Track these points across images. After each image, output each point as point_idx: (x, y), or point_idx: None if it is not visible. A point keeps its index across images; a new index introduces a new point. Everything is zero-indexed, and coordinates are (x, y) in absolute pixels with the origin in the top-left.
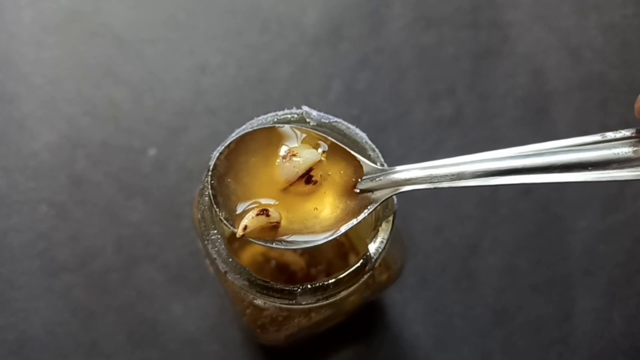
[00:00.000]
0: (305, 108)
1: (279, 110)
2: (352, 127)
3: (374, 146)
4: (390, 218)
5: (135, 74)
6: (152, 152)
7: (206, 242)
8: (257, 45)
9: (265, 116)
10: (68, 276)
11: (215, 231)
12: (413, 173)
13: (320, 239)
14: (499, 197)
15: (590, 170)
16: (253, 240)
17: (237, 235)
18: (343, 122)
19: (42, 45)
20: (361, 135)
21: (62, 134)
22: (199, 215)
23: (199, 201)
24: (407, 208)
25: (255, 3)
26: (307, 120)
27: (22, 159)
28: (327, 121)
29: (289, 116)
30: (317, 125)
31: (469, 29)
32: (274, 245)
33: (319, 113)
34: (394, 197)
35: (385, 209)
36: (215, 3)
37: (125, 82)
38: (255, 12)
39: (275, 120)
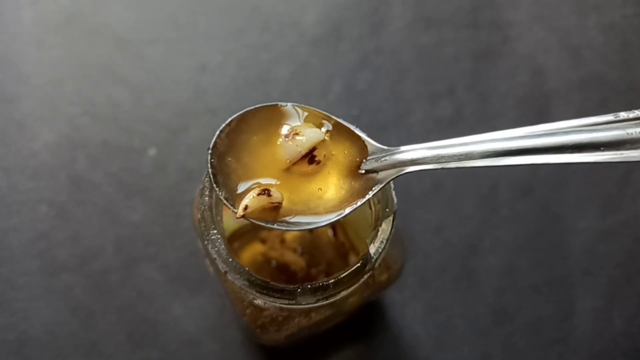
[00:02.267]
0: None
1: None
2: (352, 127)
3: None
4: (390, 218)
5: (135, 74)
6: (152, 152)
7: (206, 242)
8: (257, 45)
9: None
10: (68, 276)
11: (215, 231)
12: (420, 153)
13: (323, 220)
14: (499, 197)
15: (602, 150)
16: (254, 221)
17: (237, 216)
18: (343, 122)
19: (42, 45)
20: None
21: (62, 134)
22: (199, 215)
23: (199, 201)
24: (407, 208)
25: (255, 3)
26: None
27: (22, 159)
28: None
29: None
30: None
31: (469, 29)
32: (275, 226)
33: None
34: (394, 197)
35: (386, 209)
36: (215, 3)
37: (125, 82)
38: (255, 12)
39: None
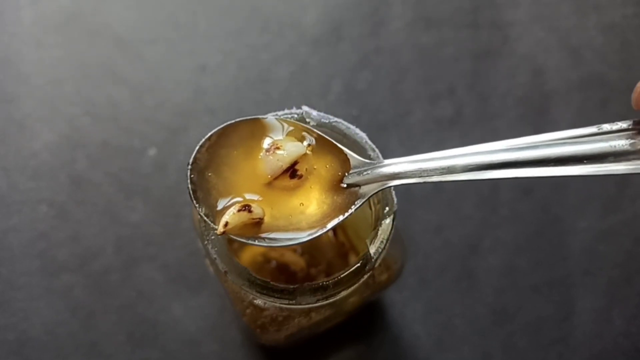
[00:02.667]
0: (305, 108)
1: (279, 110)
2: (352, 127)
3: (374, 146)
4: (390, 218)
5: (135, 74)
6: (152, 152)
7: (206, 242)
8: (257, 45)
9: (265, 116)
10: (68, 276)
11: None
12: (402, 167)
13: (305, 235)
14: (499, 197)
15: (585, 163)
16: (235, 238)
17: (218, 233)
18: (343, 122)
19: (42, 45)
20: (361, 135)
21: (62, 134)
22: (199, 216)
23: None
24: (407, 208)
25: (255, 3)
26: (307, 120)
27: (22, 159)
28: (327, 121)
29: (289, 116)
30: (317, 125)
31: (469, 29)
32: (256, 242)
33: (319, 113)
34: (394, 197)
35: (385, 208)
36: (215, 3)
37: (125, 82)
38: (255, 12)
39: None
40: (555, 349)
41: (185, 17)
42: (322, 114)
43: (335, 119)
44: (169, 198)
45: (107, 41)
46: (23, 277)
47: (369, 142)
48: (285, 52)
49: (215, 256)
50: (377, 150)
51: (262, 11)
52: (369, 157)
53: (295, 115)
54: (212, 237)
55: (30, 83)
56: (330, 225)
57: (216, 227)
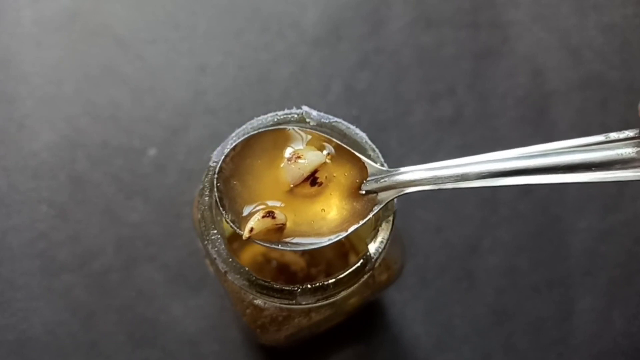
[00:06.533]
0: (305, 108)
1: (279, 110)
2: (352, 127)
3: (374, 146)
4: (390, 218)
5: (135, 74)
6: (152, 152)
7: (206, 242)
8: (257, 45)
9: (265, 116)
10: (68, 276)
11: (215, 231)
12: (418, 174)
13: (326, 240)
14: (499, 197)
15: (594, 170)
16: (259, 243)
17: (244, 238)
18: (343, 122)
19: (42, 45)
20: (361, 136)
21: (62, 134)
22: (199, 215)
23: (199, 201)
24: (407, 208)
25: (255, 3)
26: (307, 120)
27: (22, 159)
28: (327, 121)
29: (289, 116)
30: (317, 125)
31: (469, 29)
32: (279, 247)
33: (319, 113)
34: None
35: (385, 209)
36: (215, 3)
37: (125, 82)
38: (255, 12)
39: (275, 120)
40: (555, 349)
41: (185, 17)
42: (322, 114)
43: (335, 119)
44: (169, 198)
45: (107, 41)
46: (23, 277)
47: (369, 142)
48: (285, 52)
49: (215, 256)
50: (377, 150)
51: (262, 11)
52: (368, 157)
53: (295, 115)
54: (212, 237)
55: (30, 83)
56: (351, 229)
57: (242, 232)
